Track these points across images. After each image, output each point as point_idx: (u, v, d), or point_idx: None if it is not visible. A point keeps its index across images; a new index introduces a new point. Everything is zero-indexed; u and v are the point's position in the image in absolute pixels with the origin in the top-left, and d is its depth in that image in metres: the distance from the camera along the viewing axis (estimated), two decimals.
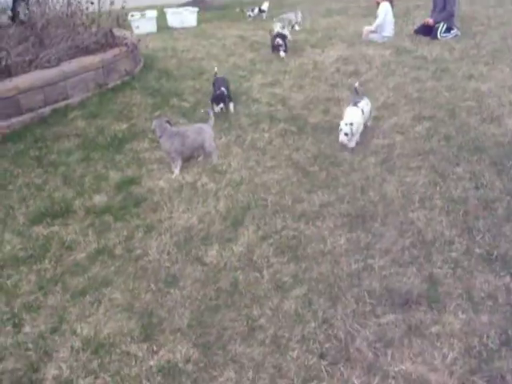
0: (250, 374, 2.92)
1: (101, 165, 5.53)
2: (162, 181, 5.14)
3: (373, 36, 9.86)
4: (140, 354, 3.11)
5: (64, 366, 3.08)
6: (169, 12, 14.31)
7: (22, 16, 17.06)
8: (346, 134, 5.29)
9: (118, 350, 3.16)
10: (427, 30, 9.68)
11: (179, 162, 5.27)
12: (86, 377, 3.01)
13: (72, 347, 3.21)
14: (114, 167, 5.47)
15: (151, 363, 3.05)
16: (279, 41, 9.26)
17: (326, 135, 5.83)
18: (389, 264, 3.69)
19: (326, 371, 2.88)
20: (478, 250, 3.72)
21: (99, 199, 4.90)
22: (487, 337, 2.98)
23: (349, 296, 3.41)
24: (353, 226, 4.18)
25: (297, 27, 11.32)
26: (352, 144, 5.38)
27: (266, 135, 5.98)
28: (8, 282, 3.88)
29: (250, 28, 12.25)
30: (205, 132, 5.33)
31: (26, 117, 6.43)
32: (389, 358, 2.92)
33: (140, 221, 4.51)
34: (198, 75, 8.19)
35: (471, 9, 11.81)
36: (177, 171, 5.24)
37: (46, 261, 4.07)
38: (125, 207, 4.73)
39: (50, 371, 3.07)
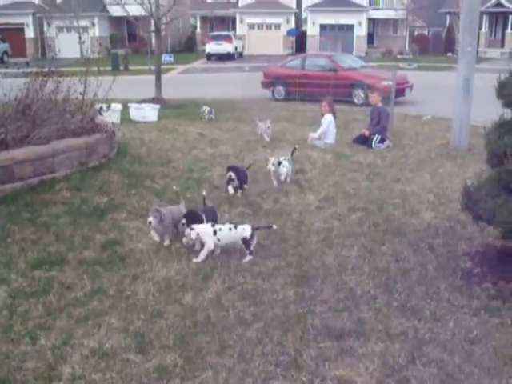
0: (224, 374, 3.88)
1: (87, 229, 6.47)
2: (141, 243, 6.14)
3: (316, 142, 11.36)
4: (137, 360, 4.03)
5: (77, 367, 3.94)
6: (132, 107, 15.69)
7: None
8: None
9: (119, 357, 4.06)
10: (363, 140, 11.33)
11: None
12: (95, 374, 3.89)
13: (82, 354, 4.09)
14: (99, 231, 6.42)
15: (147, 366, 3.97)
16: (231, 175, 8.02)
17: (276, 218, 7.01)
18: (327, 310, 4.77)
19: (281, 374, 3.88)
20: (395, 303, 4.87)
21: (89, 254, 5.83)
22: (398, 356, 4.07)
23: (297, 329, 4.45)
24: (299, 283, 5.27)
25: (266, 137, 11.80)
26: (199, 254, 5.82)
27: (227, 215, 7.10)
28: (20, 309, 4.73)
29: (207, 127, 13.64)
30: (182, 212, 6.46)
31: (17, 184, 7.34)
32: (327, 367, 3.96)
33: (126, 271, 5.46)
34: (167, 163, 9.37)
35: (402, 125, 13.73)
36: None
37: (51, 295, 4.94)
38: (112, 261, 5.68)
39: (66, 370, 3.91)
